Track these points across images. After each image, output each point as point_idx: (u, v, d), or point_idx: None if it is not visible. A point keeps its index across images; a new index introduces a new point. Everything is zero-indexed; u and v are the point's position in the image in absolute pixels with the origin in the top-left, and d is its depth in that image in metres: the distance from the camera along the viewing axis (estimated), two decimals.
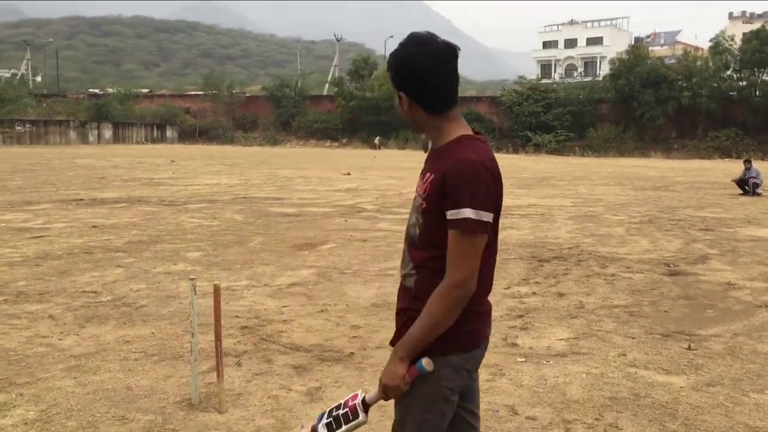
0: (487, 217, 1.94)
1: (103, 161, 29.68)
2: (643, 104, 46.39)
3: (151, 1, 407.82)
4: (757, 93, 44.97)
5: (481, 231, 1.94)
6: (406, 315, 2.09)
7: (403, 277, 2.14)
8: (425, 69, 2.00)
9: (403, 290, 2.15)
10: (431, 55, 1.99)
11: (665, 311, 6.09)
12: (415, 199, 2.14)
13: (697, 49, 58.02)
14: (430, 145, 2.23)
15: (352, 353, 4.81)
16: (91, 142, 56.23)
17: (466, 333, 2.04)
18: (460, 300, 1.95)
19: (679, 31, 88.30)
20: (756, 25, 50.64)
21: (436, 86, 2.02)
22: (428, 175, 2.05)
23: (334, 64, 75.13)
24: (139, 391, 4.06)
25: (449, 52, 2.01)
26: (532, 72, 76.88)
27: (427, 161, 2.14)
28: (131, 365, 4.50)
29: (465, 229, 1.92)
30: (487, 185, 1.95)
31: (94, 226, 10.52)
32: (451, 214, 1.93)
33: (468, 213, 1.91)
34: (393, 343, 2.10)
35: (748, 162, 18.35)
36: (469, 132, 2.08)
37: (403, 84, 2.05)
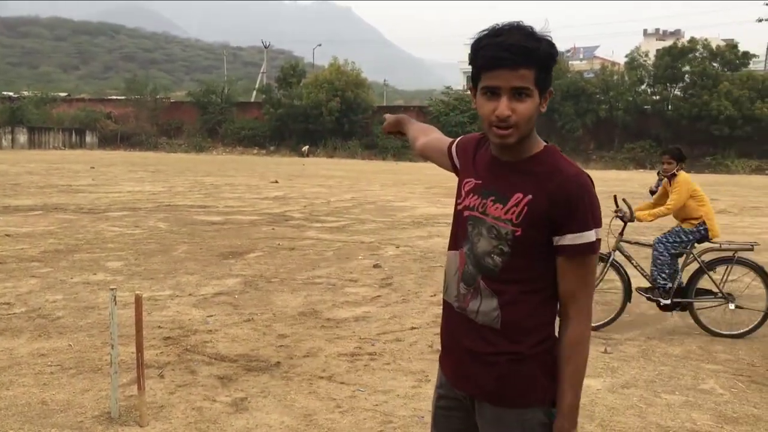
0: None
1: (18, 167, 28.38)
2: (563, 116, 47.89)
3: (71, 1, 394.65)
4: (670, 107, 47.20)
5: (599, 251, 1.72)
6: (501, 359, 1.75)
7: (475, 313, 1.78)
8: None
9: (479, 330, 1.77)
10: None
11: None
12: (479, 220, 1.79)
13: (614, 64, 60.34)
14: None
15: (278, 363, 4.78)
16: (4, 148, 53.61)
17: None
18: None
19: (597, 47, 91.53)
20: (668, 42, 53.26)
21: None
22: (518, 195, 1.70)
23: (261, 71, 74.23)
24: (54, 406, 3.92)
25: None
26: (459, 82, 78.24)
27: (497, 176, 1.78)
28: (47, 379, 4.34)
29: (592, 251, 1.68)
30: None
31: (7, 235, 10.07)
32: (571, 239, 1.66)
33: (598, 233, 1.68)
34: (489, 398, 1.78)
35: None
36: None
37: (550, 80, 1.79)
